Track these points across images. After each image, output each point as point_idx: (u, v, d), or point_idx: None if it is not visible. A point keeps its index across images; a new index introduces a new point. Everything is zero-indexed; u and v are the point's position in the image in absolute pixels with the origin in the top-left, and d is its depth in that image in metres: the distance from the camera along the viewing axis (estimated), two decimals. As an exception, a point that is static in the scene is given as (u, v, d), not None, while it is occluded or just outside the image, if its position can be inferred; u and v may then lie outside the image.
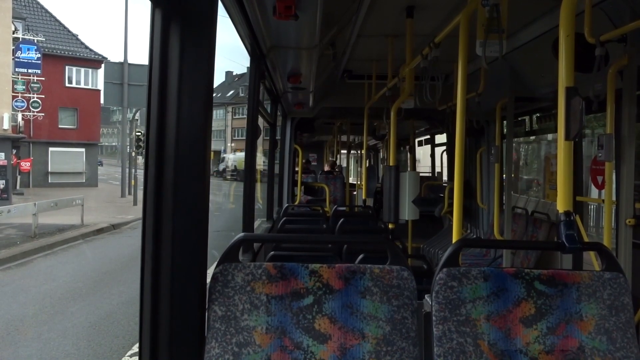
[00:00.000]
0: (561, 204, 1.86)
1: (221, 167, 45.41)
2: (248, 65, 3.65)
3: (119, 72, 23.29)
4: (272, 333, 1.72)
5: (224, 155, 50.20)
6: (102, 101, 32.17)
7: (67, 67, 32.46)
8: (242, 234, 1.87)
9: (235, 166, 42.70)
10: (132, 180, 25.48)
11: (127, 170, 27.07)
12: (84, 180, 32.40)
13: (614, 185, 3.61)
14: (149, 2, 1.61)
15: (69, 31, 33.50)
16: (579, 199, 4.54)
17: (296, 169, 8.27)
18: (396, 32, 4.44)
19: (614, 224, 3.55)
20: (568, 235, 1.80)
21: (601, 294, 1.79)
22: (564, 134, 1.83)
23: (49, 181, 30.98)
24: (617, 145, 3.44)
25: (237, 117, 56.09)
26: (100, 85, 30.99)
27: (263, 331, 1.72)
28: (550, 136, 6.89)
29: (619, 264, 1.85)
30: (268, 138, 6.32)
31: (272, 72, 4.31)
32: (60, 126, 31.96)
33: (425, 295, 2.06)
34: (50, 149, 31.24)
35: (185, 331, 1.71)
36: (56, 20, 33.31)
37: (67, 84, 32.53)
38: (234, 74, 60.05)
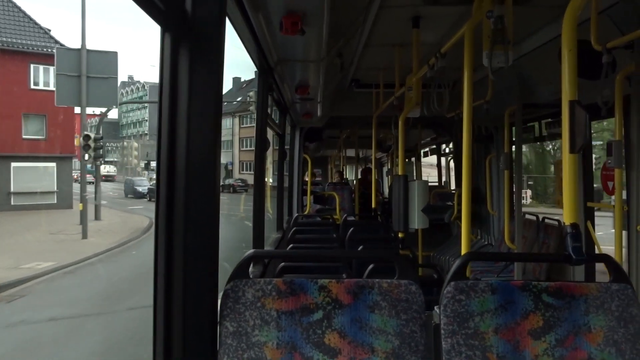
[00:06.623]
0: (567, 216, 1.87)
1: (227, 182, 44.64)
2: (255, 71, 3.69)
3: (75, 60, 17.32)
4: (282, 348, 1.74)
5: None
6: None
7: (32, 66, 26.02)
8: (251, 251, 1.90)
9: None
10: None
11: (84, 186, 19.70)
12: (56, 201, 26.27)
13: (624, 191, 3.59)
14: (159, 27, 1.65)
15: (35, 23, 26.86)
16: (590, 205, 4.52)
17: (305, 179, 8.30)
18: (403, 42, 4.46)
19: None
20: (575, 248, 1.81)
21: (609, 305, 1.79)
22: (569, 146, 1.84)
23: (12, 203, 25.08)
24: (627, 151, 3.43)
25: (244, 125, 53.54)
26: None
27: (274, 346, 1.74)
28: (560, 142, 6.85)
29: (627, 275, 1.85)
30: (277, 148, 6.35)
31: (280, 84, 4.35)
32: (24, 136, 25.99)
33: (435, 307, 2.06)
34: (13, 164, 25.29)
35: (197, 347, 1.73)
36: (20, 10, 26.80)
37: (32, 86, 26.15)
38: (242, 80, 58.50)
